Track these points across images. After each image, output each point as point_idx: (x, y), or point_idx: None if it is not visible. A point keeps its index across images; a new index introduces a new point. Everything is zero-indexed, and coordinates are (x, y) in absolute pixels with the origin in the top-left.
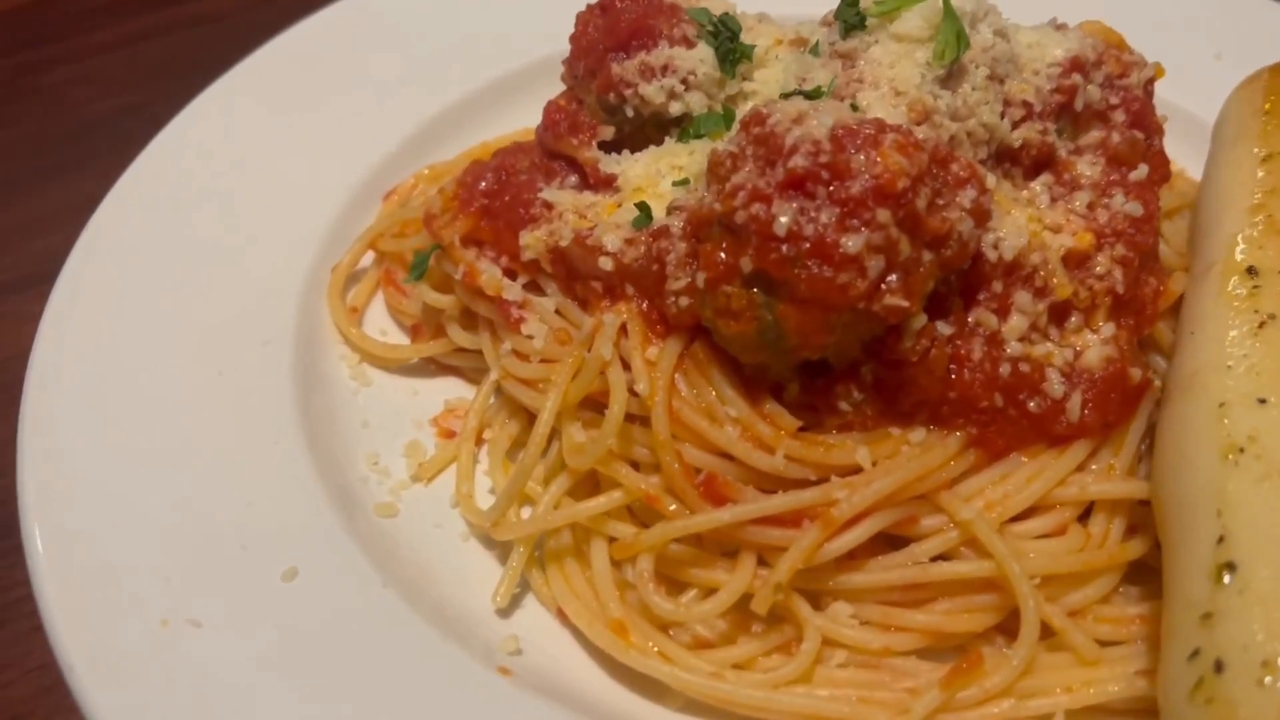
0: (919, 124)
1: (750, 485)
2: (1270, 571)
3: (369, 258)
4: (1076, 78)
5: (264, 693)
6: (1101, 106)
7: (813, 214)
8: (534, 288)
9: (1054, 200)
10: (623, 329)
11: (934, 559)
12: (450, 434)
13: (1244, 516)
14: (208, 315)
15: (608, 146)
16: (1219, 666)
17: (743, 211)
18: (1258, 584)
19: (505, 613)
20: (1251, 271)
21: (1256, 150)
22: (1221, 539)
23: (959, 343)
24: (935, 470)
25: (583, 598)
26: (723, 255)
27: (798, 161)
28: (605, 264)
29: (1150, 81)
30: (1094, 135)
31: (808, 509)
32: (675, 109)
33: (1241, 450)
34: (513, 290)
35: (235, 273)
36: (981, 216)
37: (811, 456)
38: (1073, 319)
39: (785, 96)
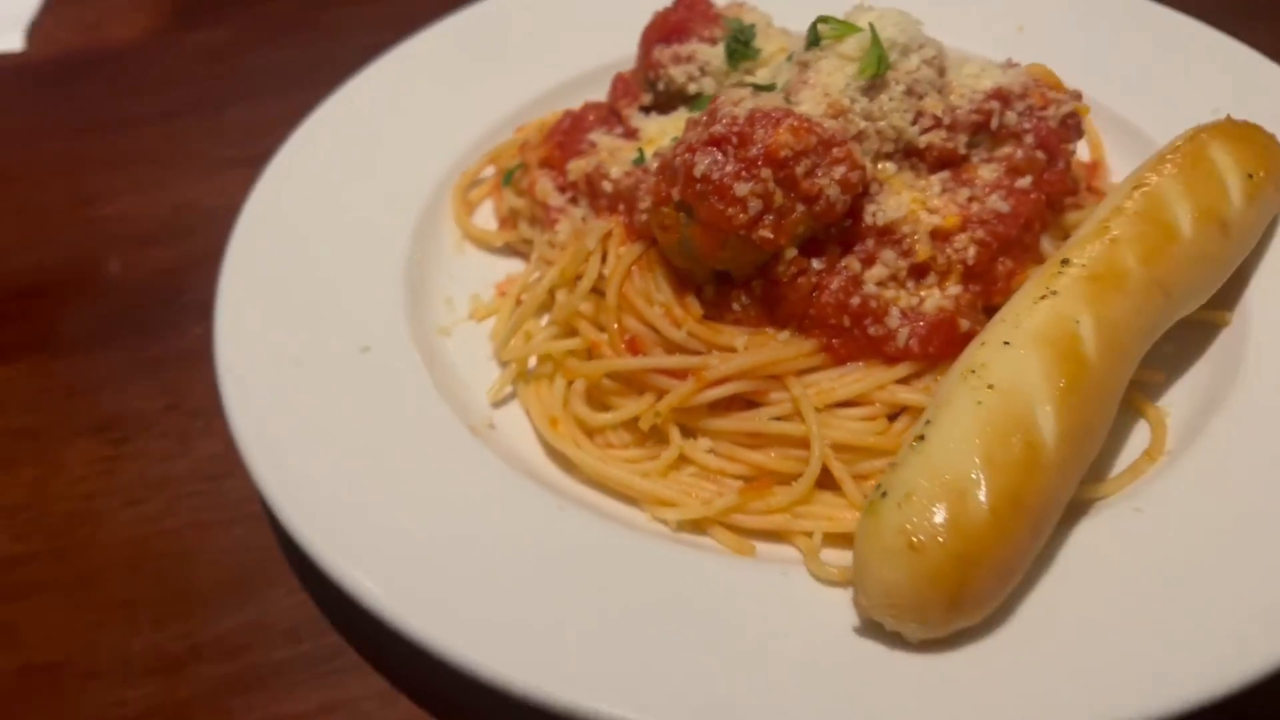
0: (835, 118)
1: (660, 348)
2: (939, 444)
3: (492, 170)
4: (994, 104)
5: (325, 411)
6: (1017, 129)
7: (722, 165)
8: (575, 201)
9: (945, 191)
10: (610, 233)
11: (774, 419)
12: (503, 293)
13: (947, 410)
14: (367, 191)
15: (647, 110)
16: (883, 493)
17: (679, 157)
18: (928, 449)
19: (496, 406)
20: (1065, 263)
21: (1139, 179)
22: (928, 421)
23: (825, 276)
24: (787, 360)
25: (541, 401)
26: (663, 186)
27: (717, 128)
28: (606, 187)
29: (1070, 115)
30: (1005, 150)
31: (692, 368)
32: (692, 88)
33: (973, 372)
34: (556, 199)
35: (394, 167)
36: (848, 187)
37: (704, 335)
38: (930, 278)
39: (743, 85)
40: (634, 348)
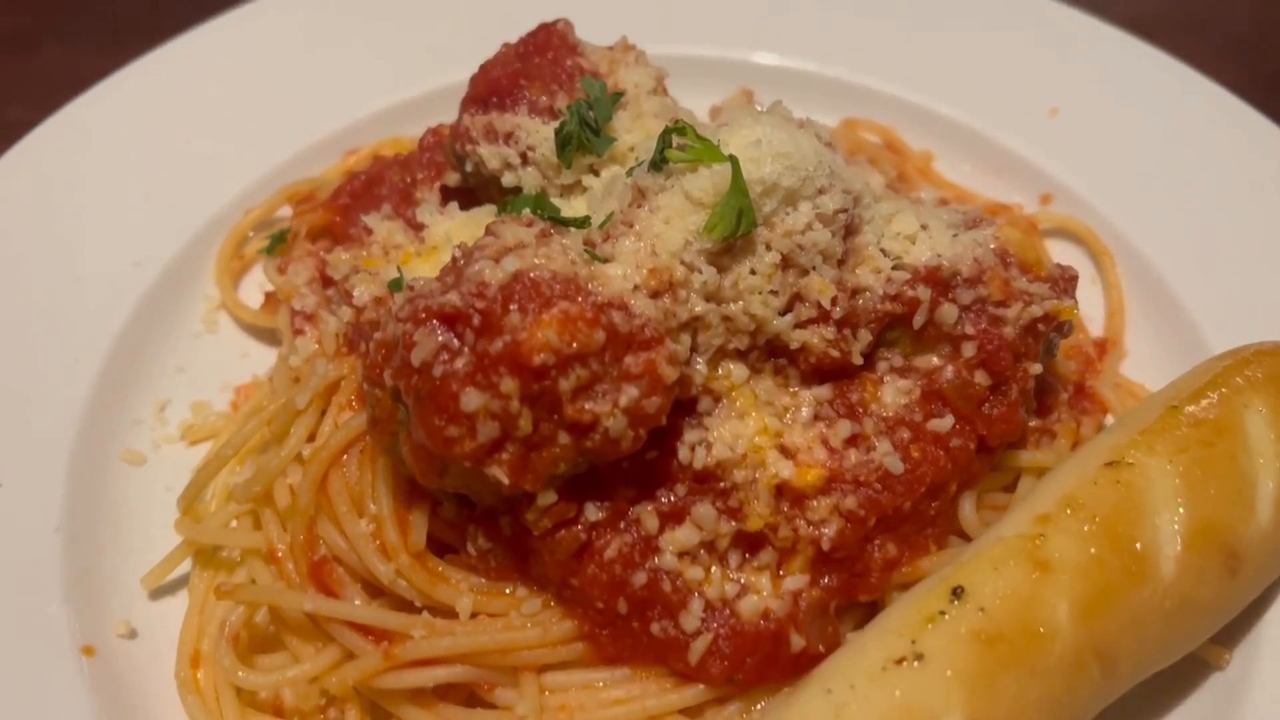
0: (656, 295)
1: (359, 582)
2: None
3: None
4: (923, 290)
5: None
6: (954, 331)
7: (451, 356)
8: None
9: (817, 419)
10: (336, 386)
11: None
12: (237, 408)
13: None
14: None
15: (454, 192)
16: None
17: (400, 323)
18: None
19: (155, 597)
20: (957, 594)
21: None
22: None
23: (601, 532)
24: (527, 647)
25: (198, 614)
26: (378, 357)
27: (452, 297)
28: (343, 313)
29: (1040, 320)
30: (930, 360)
31: (388, 635)
32: (508, 180)
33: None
34: (304, 301)
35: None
36: (641, 420)
37: (417, 581)
38: (764, 554)
39: (536, 212)
40: (319, 574)
